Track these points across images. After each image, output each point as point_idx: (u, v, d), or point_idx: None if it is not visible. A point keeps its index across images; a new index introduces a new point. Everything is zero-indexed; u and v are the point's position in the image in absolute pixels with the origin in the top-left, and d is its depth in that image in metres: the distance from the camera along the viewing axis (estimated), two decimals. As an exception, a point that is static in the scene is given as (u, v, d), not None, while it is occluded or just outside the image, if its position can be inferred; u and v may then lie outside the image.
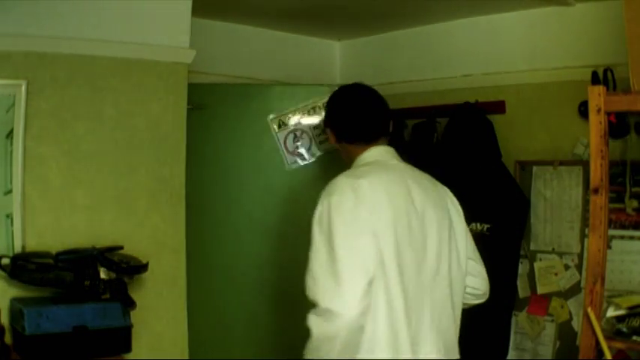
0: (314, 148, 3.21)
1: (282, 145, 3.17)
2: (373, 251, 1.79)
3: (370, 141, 2.08)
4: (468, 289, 2.07)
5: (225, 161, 3.20)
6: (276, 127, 3.17)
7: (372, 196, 1.85)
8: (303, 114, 3.19)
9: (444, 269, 1.94)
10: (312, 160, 3.21)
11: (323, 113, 2.89)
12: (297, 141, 3.17)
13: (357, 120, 2.09)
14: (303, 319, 2.16)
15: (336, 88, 2.21)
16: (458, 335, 2.02)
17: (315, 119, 3.19)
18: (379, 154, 2.07)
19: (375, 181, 1.90)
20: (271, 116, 3.17)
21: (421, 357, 1.86)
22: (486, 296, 2.13)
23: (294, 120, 3.18)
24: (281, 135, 3.17)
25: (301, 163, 3.21)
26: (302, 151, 3.20)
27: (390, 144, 3.61)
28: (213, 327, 3.23)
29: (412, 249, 1.88)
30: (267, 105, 3.20)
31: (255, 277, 3.25)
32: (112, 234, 2.60)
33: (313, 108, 3.21)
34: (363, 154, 2.07)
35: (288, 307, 2.83)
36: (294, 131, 3.18)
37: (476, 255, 2.09)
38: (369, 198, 1.84)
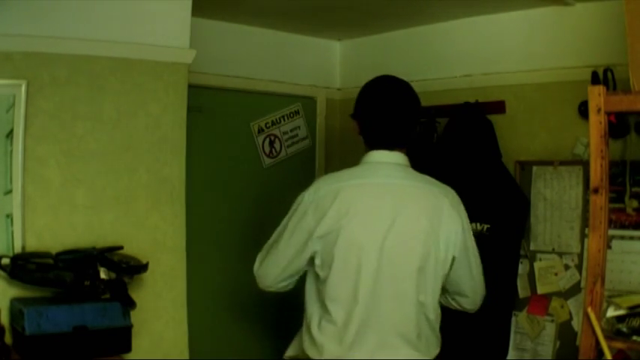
0: (283, 151, 3.91)
1: (260, 148, 3.80)
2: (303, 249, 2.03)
3: (379, 148, 2.12)
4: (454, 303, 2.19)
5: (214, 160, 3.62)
6: (255, 131, 3.79)
7: (324, 201, 2.01)
8: (276, 121, 3.88)
9: (427, 269, 2.01)
10: (283, 159, 3.90)
11: (292, 120, 3.91)
12: (271, 144, 3.87)
13: (372, 130, 2.13)
14: (300, 318, 2.17)
15: (371, 80, 2.19)
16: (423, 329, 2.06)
17: (285, 126, 3.90)
18: (380, 157, 2.11)
19: (338, 187, 2.03)
20: (252, 122, 3.79)
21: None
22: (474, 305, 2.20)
23: (269, 126, 3.86)
24: (259, 139, 3.80)
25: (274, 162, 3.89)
26: (274, 152, 3.89)
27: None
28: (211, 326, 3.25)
29: (373, 251, 1.98)
30: (251, 111, 3.78)
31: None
32: (112, 234, 2.60)
33: (283, 116, 3.90)
34: (368, 154, 2.14)
35: (285, 304, 2.83)
36: (269, 136, 3.83)
37: (472, 271, 2.12)
38: (322, 202, 2.01)
